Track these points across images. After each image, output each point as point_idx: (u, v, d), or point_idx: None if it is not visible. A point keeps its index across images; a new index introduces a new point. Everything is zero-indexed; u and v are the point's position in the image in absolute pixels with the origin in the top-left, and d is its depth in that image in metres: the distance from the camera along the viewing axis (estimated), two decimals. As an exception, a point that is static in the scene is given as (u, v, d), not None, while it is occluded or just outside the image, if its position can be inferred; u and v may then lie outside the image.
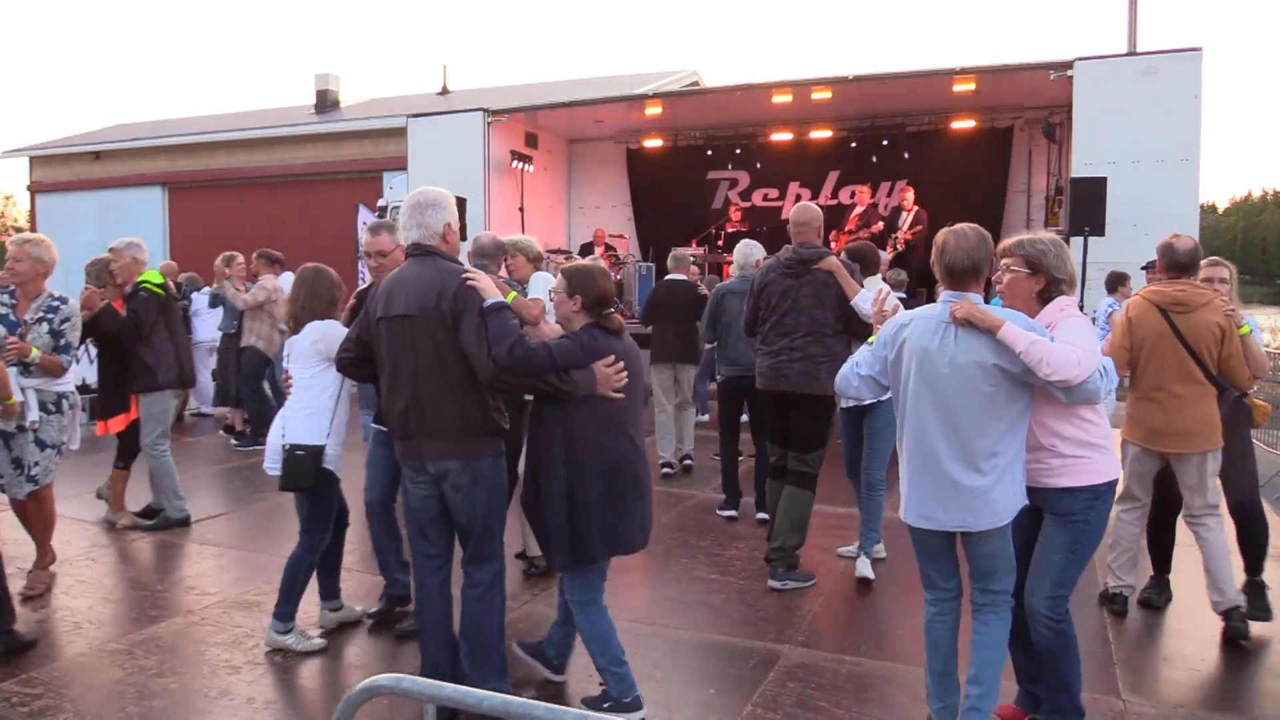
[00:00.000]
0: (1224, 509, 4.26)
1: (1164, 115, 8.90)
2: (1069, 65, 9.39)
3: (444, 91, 23.24)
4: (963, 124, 12.06)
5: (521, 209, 12.85)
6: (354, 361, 3.43)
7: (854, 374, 3.15)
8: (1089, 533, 3.01)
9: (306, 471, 3.77)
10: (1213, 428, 4.03)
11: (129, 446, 5.81)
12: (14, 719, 3.30)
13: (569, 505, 3.17)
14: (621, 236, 13.89)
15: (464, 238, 13.61)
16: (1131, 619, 4.33)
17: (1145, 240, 8.88)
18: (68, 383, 4.62)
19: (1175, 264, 4.06)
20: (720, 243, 12.33)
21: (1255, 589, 4.27)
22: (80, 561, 5.14)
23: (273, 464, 3.88)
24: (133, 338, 5.48)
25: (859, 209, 11.82)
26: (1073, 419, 2.98)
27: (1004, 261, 3.11)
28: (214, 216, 20.15)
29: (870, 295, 4.16)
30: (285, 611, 3.90)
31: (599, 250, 12.83)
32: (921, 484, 2.94)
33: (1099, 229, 8.60)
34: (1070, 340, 2.80)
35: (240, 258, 8.58)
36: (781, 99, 11.56)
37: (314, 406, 3.84)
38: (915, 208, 11.23)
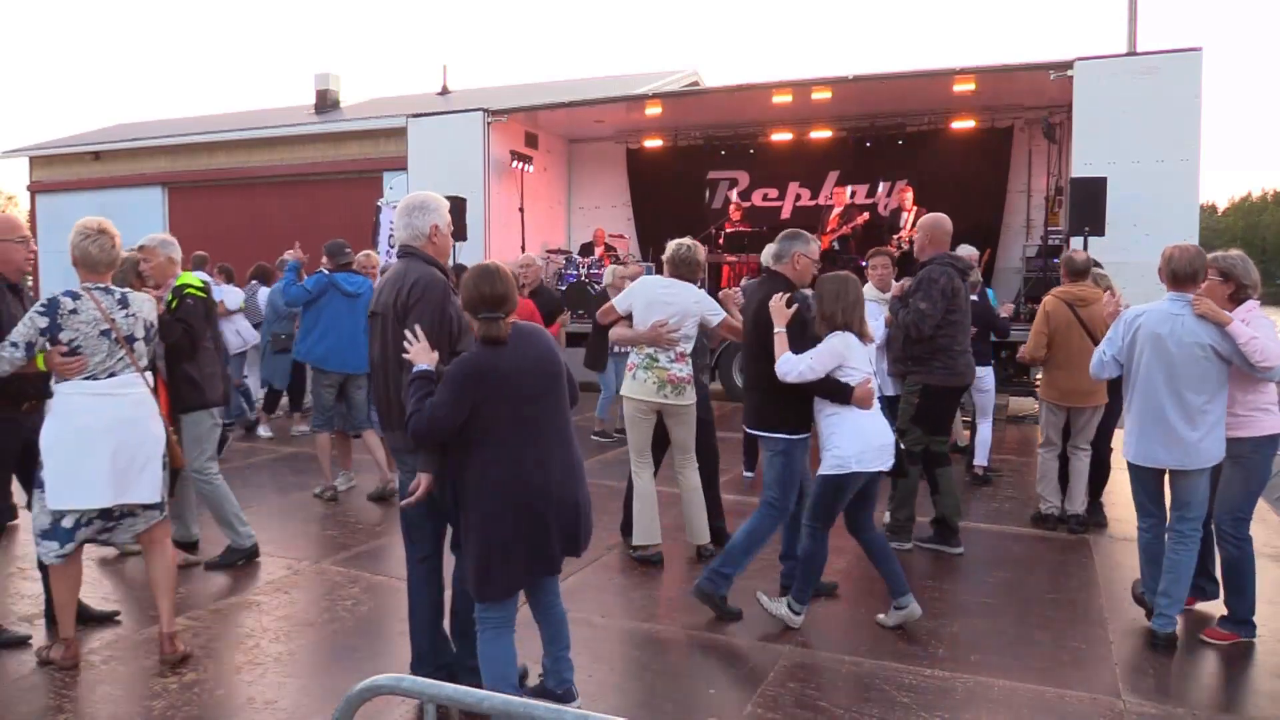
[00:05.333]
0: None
1: (1164, 115, 8.91)
2: (1069, 65, 9.39)
3: (444, 91, 23.23)
4: (963, 124, 12.06)
5: (521, 209, 12.86)
6: None
7: (1110, 360, 4.09)
8: (1257, 471, 4.03)
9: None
10: None
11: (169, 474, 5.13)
12: (14, 719, 3.30)
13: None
14: (621, 236, 13.89)
15: (464, 238, 13.63)
16: (1130, 619, 4.33)
17: (1145, 240, 8.92)
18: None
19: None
20: (720, 242, 12.33)
21: (1095, 508, 5.90)
22: (80, 561, 5.13)
23: (888, 457, 4.10)
24: (188, 352, 4.74)
25: (837, 208, 11.81)
26: (1249, 388, 3.97)
27: (1208, 271, 4.03)
28: (214, 216, 20.15)
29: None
30: (905, 585, 4.19)
31: (599, 250, 12.83)
32: (1151, 434, 3.95)
33: (1099, 229, 8.61)
34: (1267, 335, 3.83)
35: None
36: (781, 99, 11.57)
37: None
38: (915, 208, 11.23)
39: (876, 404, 4.11)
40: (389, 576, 4.87)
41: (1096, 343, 4.69)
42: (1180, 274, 3.95)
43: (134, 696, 3.48)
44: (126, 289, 3.89)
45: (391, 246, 12.44)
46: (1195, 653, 4.03)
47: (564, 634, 3.29)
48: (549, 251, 13.34)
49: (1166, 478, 4.09)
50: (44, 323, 3.55)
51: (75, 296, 3.64)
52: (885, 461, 4.10)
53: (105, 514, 3.71)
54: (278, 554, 5.25)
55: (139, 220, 20.93)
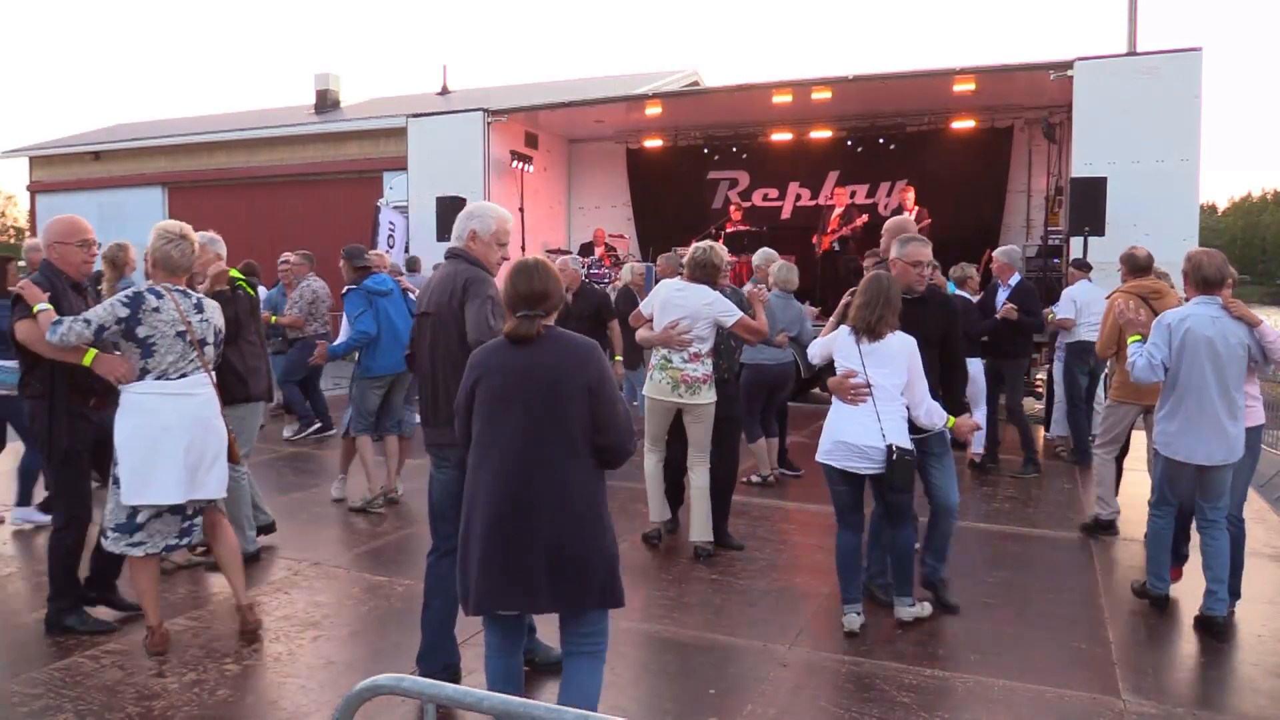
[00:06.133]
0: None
1: (1164, 115, 8.91)
2: (1069, 65, 9.40)
3: (444, 91, 23.24)
4: (963, 124, 12.06)
5: (521, 209, 12.86)
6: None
7: (1160, 364, 4.19)
8: (1255, 457, 4.46)
9: (913, 473, 4.05)
10: None
11: None
12: (14, 719, 3.30)
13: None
14: (621, 236, 13.90)
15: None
16: (1131, 619, 4.34)
17: (1145, 240, 8.87)
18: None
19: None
20: (720, 242, 12.32)
21: None
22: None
23: (864, 461, 4.02)
24: (230, 338, 4.71)
25: (838, 209, 11.80)
26: (1251, 381, 4.32)
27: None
28: (214, 216, 20.02)
29: None
30: (907, 589, 4.22)
31: (599, 250, 12.83)
32: (1203, 433, 4.14)
33: (1099, 229, 8.61)
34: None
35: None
36: (781, 99, 11.57)
37: (903, 412, 4.07)
38: (916, 207, 11.24)
39: (870, 407, 4.01)
40: (389, 577, 4.87)
41: None
42: (1212, 279, 4.20)
43: (134, 696, 3.47)
44: (201, 294, 4.04)
45: (390, 246, 12.44)
46: (1196, 652, 4.04)
47: (576, 691, 2.82)
48: (548, 251, 13.35)
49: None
50: (124, 312, 3.66)
51: (159, 295, 3.76)
52: (850, 462, 4.03)
53: (179, 511, 3.82)
54: (278, 554, 5.25)
55: (139, 220, 20.94)
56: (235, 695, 3.52)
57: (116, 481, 3.73)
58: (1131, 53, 13.00)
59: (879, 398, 4.02)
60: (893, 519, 4.19)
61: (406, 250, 12.66)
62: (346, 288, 6.36)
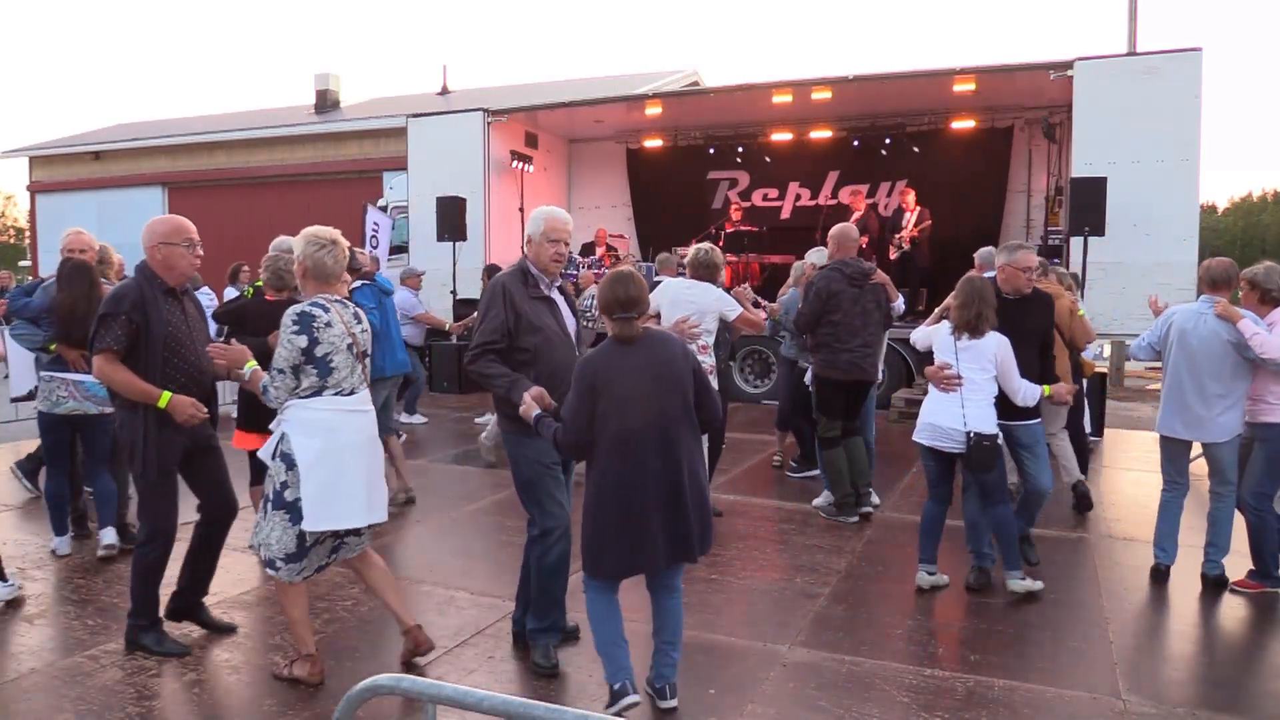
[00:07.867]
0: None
1: (1164, 115, 8.92)
2: (1069, 65, 9.40)
3: (444, 91, 23.26)
4: (963, 124, 12.06)
5: (521, 209, 12.86)
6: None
7: (1146, 346, 4.84)
8: (1267, 453, 4.57)
9: (994, 456, 4.42)
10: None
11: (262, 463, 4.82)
12: (14, 719, 3.30)
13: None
14: (621, 236, 13.89)
15: (464, 238, 13.52)
16: (1131, 618, 4.34)
17: (1145, 240, 8.94)
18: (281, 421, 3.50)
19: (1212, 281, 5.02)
20: (720, 243, 12.34)
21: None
22: (79, 561, 5.13)
23: (948, 441, 4.48)
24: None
25: (856, 214, 11.79)
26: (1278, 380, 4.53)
27: (1241, 283, 4.74)
28: (214, 216, 20.13)
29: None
30: (1015, 562, 4.58)
31: (600, 250, 12.83)
32: (1175, 411, 4.67)
33: (1099, 229, 8.62)
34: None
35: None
36: (781, 99, 11.58)
37: (989, 402, 4.47)
38: (918, 208, 11.24)
39: (958, 396, 4.43)
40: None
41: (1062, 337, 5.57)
42: (1218, 279, 4.68)
43: (134, 696, 3.47)
44: (356, 305, 3.81)
45: (374, 247, 12.43)
46: (1195, 653, 4.04)
47: (670, 626, 3.36)
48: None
49: (1197, 450, 4.77)
50: (303, 342, 3.36)
51: (325, 309, 3.45)
52: (939, 441, 4.50)
53: (335, 533, 3.54)
54: (278, 554, 5.24)
55: (139, 220, 20.94)
56: (234, 695, 3.52)
57: (284, 507, 3.41)
58: (1131, 53, 13.03)
59: (967, 388, 4.46)
60: (987, 497, 4.55)
61: (405, 250, 12.67)
62: (359, 282, 6.15)
